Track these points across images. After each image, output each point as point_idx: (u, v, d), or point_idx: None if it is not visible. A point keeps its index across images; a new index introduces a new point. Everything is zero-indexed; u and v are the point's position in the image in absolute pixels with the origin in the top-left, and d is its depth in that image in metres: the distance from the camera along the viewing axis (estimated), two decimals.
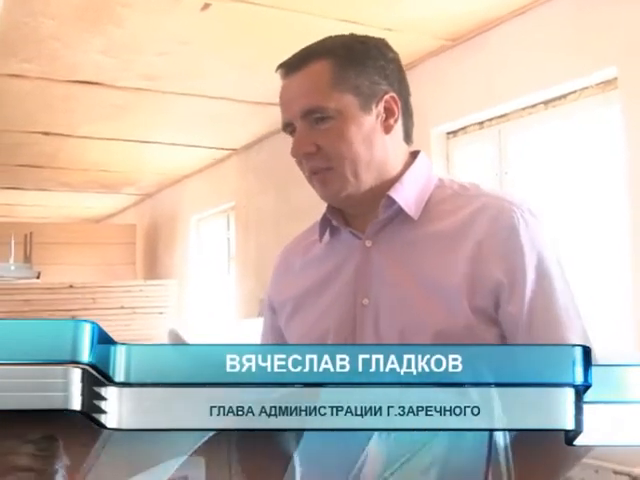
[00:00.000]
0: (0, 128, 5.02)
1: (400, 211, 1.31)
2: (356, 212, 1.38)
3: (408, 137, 1.38)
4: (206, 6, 2.99)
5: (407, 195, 1.32)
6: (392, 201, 1.31)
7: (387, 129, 1.32)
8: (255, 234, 5.60)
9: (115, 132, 5.17)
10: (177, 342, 3.24)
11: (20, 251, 7.16)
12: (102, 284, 6.24)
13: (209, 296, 6.79)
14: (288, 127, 1.33)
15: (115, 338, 3.40)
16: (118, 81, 3.95)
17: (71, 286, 5.86)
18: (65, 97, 4.23)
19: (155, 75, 3.86)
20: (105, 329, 3.38)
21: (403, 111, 1.34)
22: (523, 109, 3.32)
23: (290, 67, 1.32)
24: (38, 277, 6.61)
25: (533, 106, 3.28)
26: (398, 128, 1.34)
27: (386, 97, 1.31)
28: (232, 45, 3.44)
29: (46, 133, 5.12)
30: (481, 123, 3.59)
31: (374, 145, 1.31)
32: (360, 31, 3.17)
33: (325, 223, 1.41)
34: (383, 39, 1.38)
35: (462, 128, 3.70)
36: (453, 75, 3.59)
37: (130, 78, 3.90)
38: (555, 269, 1.27)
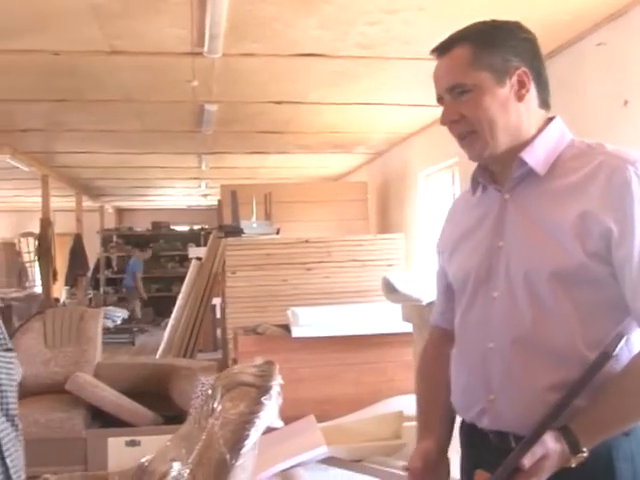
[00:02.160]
0: (240, 100, 5.58)
1: (531, 169, 1.55)
2: (499, 169, 1.63)
3: (544, 104, 1.62)
4: None
5: (537, 156, 1.55)
6: (523, 162, 1.55)
7: (520, 98, 1.56)
8: None
9: (340, 96, 5.52)
10: (389, 289, 3.55)
11: (261, 210, 7.72)
12: (335, 238, 6.60)
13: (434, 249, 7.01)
14: (439, 100, 1.63)
15: (347, 289, 4.01)
16: (337, 51, 4.27)
17: (307, 241, 6.32)
18: (291, 69, 4.65)
19: (369, 43, 4.13)
20: (338, 280, 4.02)
21: (537, 82, 1.58)
22: None
23: (439, 51, 1.61)
24: (277, 233, 7.05)
25: None
26: (532, 97, 1.58)
27: (518, 72, 1.55)
28: (439, 9, 3.62)
29: (279, 102, 5.60)
30: None
31: (508, 112, 1.55)
32: None
33: (474, 180, 1.70)
34: (518, 22, 1.62)
35: None
36: None
37: (347, 48, 4.20)
38: None
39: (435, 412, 1.78)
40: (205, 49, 4.04)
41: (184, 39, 3.97)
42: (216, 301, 8.92)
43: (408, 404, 3.98)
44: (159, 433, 4.40)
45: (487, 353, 1.58)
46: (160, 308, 14.56)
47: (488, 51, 1.55)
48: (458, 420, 1.79)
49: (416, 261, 7.19)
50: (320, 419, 3.91)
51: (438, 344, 1.87)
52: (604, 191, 1.45)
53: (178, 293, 12.11)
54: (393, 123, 6.72)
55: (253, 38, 3.97)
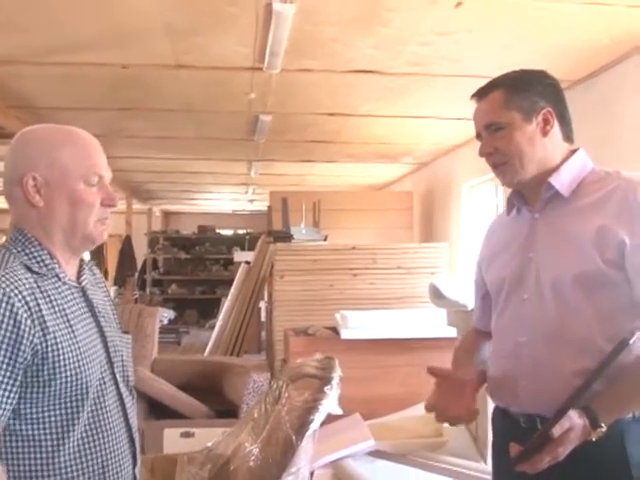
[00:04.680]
0: (293, 111, 5.83)
1: (558, 192, 1.86)
2: (529, 194, 1.95)
3: (567, 138, 1.93)
4: (459, 4, 3.43)
5: (562, 180, 1.86)
6: (551, 186, 1.86)
7: (545, 134, 1.88)
8: None
9: (390, 110, 5.73)
10: (436, 295, 3.77)
11: (310, 217, 7.95)
12: (381, 246, 6.81)
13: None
14: (478, 136, 1.98)
15: (392, 295, 4.34)
16: (389, 69, 4.49)
17: (354, 247, 6.54)
18: (345, 84, 4.88)
19: (420, 62, 4.34)
20: (383, 286, 4.35)
21: (560, 120, 1.90)
22: None
23: (478, 96, 1.96)
24: (325, 239, 7.28)
25: None
26: (556, 132, 1.89)
27: (543, 111, 1.87)
28: (486, 31, 3.82)
29: (330, 114, 5.84)
30: None
31: (535, 145, 1.87)
32: (604, 11, 3.41)
33: (510, 203, 2.02)
34: (543, 70, 1.94)
35: None
36: None
37: (399, 66, 4.42)
38: None
39: (468, 362, 2.13)
40: (265, 65, 4.29)
41: (246, 55, 4.23)
42: (261, 304, 9.16)
43: None
44: (212, 426, 4.65)
45: (519, 346, 1.88)
46: (204, 310, 14.88)
47: (518, 95, 1.86)
48: (490, 410, 2.10)
49: (459, 270, 7.35)
50: (365, 417, 4.11)
51: (474, 336, 2.24)
52: (619, 209, 1.74)
53: (222, 296, 12.45)
54: (439, 135, 6.91)
55: (311, 56, 4.21)
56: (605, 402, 1.66)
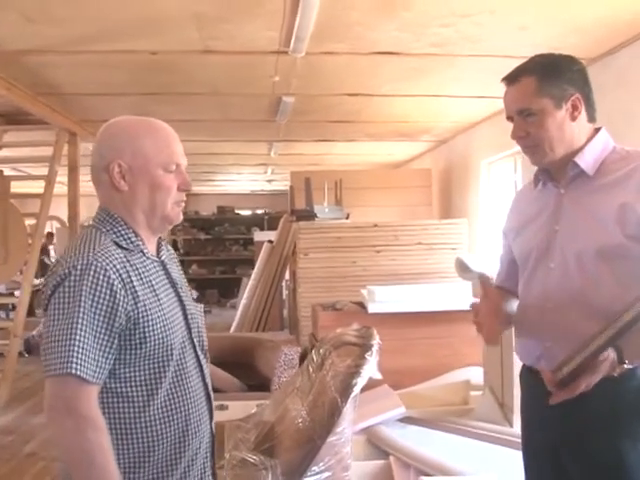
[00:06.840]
0: (317, 93, 5.96)
1: (583, 171, 2.02)
2: (556, 171, 2.10)
3: (592, 118, 2.07)
4: None
5: (587, 160, 2.02)
6: (576, 165, 2.02)
7: (573, 118, 2.02)
8: None
9: (412, 89, 5.84)
10: (462, 268, 3.92)
11: (332, 195, 8.09)
12: (402, 223, 6.95)
13: (497, 234, 7.26)
14: (509, 119, 2.10)
15: (413, 271, 4.53)
16: (412, 50, 4.61)
17: (376, 225, 6.68)
18: (368, 65, 5.01)
19: (442, 42, 4.45)
20: (404, 262, 4.55)
21: (586, 103, 2.03)
22: None
23: (509, 80, 2.08)
24: (347, 217, 7.44)
25: None
26: (582, 115, 2.03)
27: (572, 97, 2.01)
28: (508, 11, 3.93)
29: (353, 94, 5.96)
30: None
31: (564, 130, 2.02)
32: None
33: (537, 178, 2.17)
34: (571, 56, 2.07)
35: None
36: None
37: (422, 47, 4.54)
38: None
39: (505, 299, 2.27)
40: (290, 49, 4.42)
41: (273, 40, 4.35)
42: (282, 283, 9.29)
43: (474, 374, 4.35)
44: (245, 399, 4.82)
45: (545, 311, 2.05)
46: (225, 289, 15.10)
47: (549, 83, 1.99)
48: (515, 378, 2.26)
49: (478, 245, 7.48)
50: (393, 388, 4.28)
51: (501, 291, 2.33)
52: (638, 186, 1.89)
53: (242, 275, 12.64)
54: (459, 113, 7.01)
55: (336, 39, 4.34)
56: (632, 343, 1.79)
